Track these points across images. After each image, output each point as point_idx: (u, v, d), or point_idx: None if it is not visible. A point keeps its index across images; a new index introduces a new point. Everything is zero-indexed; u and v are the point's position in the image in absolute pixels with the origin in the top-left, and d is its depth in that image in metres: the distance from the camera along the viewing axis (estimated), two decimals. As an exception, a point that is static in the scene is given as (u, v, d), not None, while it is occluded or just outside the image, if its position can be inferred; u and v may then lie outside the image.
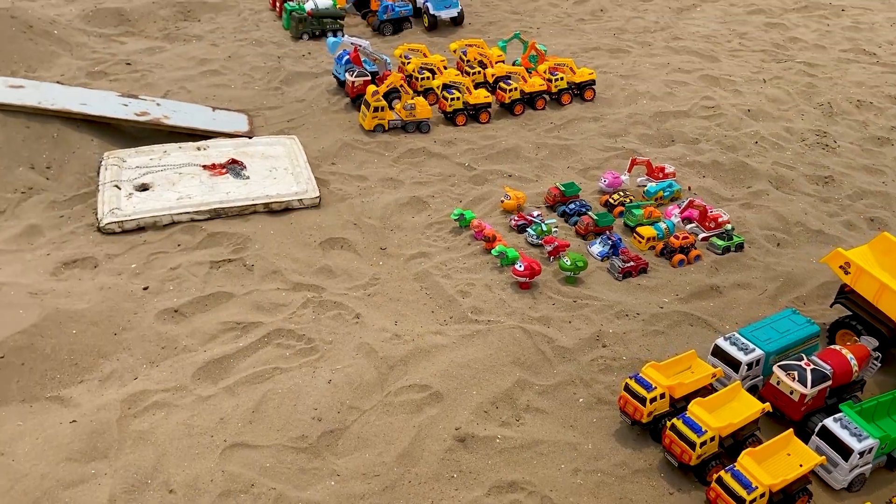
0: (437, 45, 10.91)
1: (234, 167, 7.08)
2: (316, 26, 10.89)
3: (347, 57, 8.78)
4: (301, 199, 6.73)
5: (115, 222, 6.23)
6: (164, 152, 7.30)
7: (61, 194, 6.81)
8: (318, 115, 8.49)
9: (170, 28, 11.30)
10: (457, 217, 6.47)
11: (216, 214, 6.51)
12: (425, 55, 9.29)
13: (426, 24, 11.42)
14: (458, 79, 8.48)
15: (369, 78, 8.51)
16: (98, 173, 7.05)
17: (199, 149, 7.42)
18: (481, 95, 8.42)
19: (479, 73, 9.08)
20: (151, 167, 7.02)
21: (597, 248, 6.17)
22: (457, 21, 11.58)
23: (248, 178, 6.98)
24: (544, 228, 6.16)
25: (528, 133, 8.30)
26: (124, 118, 7.54)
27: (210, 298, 5.59)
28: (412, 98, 8.17)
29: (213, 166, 7.06)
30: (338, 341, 5.19)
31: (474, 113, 8.46)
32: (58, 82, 9.07)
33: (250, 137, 7.85)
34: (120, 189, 6.66)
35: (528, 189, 7.21)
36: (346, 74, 8.54)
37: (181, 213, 6.41)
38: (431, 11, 11.28)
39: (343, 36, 8.93)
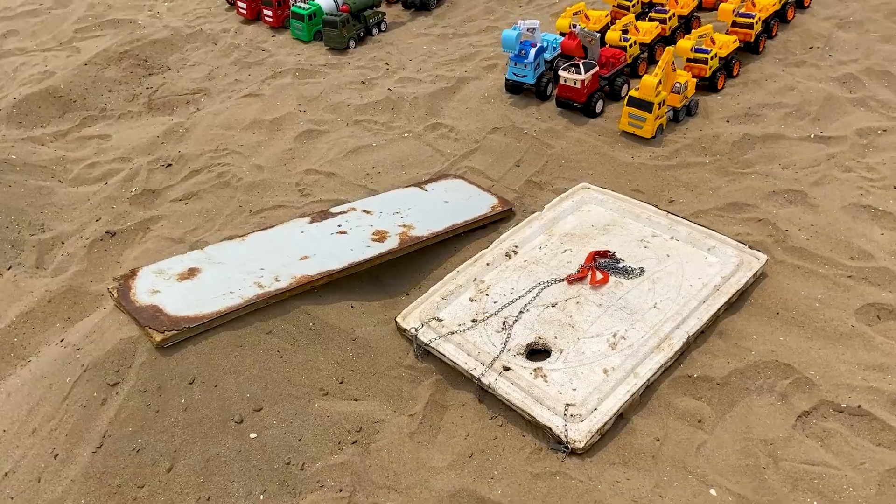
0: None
1: (609, 263, 4.57)
2: (360, 26, 7.95)
3: (532, 51, 6.20)
4: (756, 273, 4.47)
5: (594, 433, 3.64)
6: (474, 281, 4.58)
7: (402, 414, 3.97)
8: (552, 141, 5.96)
9: (138, 91, 7.81)
10: None
11: (686, 346, 4.09)
12: (587, 17, 6.92)
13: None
14: (701, 30, 6.30)
15: (596, 70, 6.06)
16: (418, 356, 4.24)
17: (508, 256, 4.76)
18: (729, 42, 6.32)
19: (673, 15, 6.92)
20: (493, 314, 4.33)
21: None
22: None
23: (640, 271, 4.52)
24: None
25: (811, 70, 6.40)
26: (377, 254, 4.64)
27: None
28: (678, 76, 5.90)
29: (582, 275, 4.50)
30: None
31: (727, 66, 6.38)
32: (108, 232, 5.73)
33: (513, 212, 5.28)
34: (509, 370, 3.98)
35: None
36: (564, 72, 6.00)
37: (653, 371, 3.93)
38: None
39: (519, 23, 6.30)
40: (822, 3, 7.41)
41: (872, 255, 4.58)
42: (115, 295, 4.02)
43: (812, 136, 5.68)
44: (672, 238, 4.76)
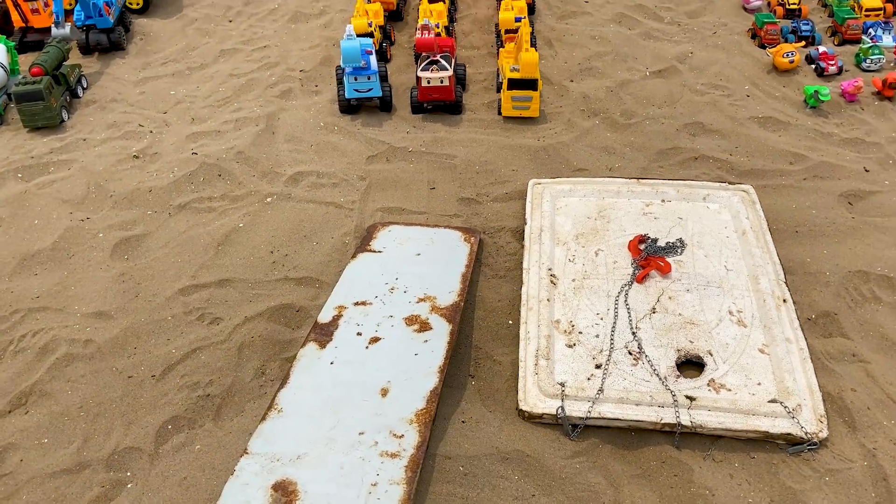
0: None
1: (652, 247, 4.26)
2: (63, 88, 5.96)
3: (372, 59, 5.34)
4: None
5: (822, 413, 3.45)
6: (550, 324, 3.88)
7: (639, 510, 3.23)
8: (447, 150, 5.27)
9: None
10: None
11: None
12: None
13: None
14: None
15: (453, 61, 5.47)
16: (571, 436, 3.47)
17: (553, 283, 4.13)
18: (523, 6, 6.27)
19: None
20: (610, 349, 3.76)
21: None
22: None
23: (680, 243, 4.29)
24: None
25: (587, 18, 6.69)
26: (447, 343, 3.60)
27: None
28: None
29: (648, 269, 4.13)
30: None
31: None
32: None
33: (481, 238, 4.62)
34: (694, 399, 3.52)
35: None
36: (427, 73, 5.27)
37: (798, 330, 3.86)
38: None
39: (348, 29, 5.29)
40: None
41: (800, 154, 5.06)
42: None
43: (647, 73, 5.98)
44: (663, 201, 4.61)
